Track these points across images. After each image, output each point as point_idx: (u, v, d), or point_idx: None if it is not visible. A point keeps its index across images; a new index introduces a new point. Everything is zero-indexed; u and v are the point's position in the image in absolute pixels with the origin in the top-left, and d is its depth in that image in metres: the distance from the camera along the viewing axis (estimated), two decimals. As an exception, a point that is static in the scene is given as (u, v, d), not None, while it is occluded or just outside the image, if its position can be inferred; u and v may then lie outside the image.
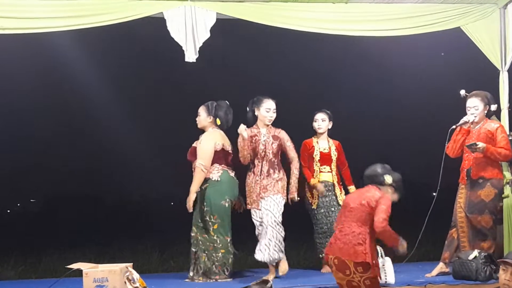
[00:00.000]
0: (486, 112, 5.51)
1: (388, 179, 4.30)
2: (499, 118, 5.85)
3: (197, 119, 5.90)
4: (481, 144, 5.27)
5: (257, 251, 5.64)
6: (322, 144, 6.17)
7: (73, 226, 15.70)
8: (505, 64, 5.93)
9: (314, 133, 6.27)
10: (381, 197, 4.19)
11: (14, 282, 6.64)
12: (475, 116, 5.45)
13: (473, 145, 5.29)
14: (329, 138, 6.22)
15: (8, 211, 24.99)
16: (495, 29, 5.97)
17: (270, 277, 5.55)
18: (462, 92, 5.54)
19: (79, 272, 4.91)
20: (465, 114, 5.53)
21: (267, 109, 5.81)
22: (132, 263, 5.22)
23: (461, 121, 5.47)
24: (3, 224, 16.58)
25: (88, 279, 4.80)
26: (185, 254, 5.88)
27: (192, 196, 5.61)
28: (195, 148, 5.80)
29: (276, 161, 5.82)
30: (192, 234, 5.76)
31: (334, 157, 6.13)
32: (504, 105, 5.84)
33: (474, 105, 5.47)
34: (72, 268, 4.95)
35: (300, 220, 6.32)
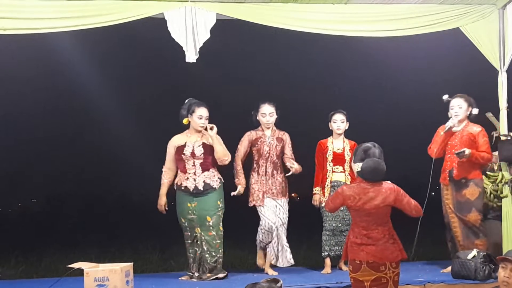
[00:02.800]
0: (468, 113, 5.68)
1: (384, 167, 4.09)
2: (497, 119, 5.87)
3: (206, 121, 5.78)
4: (467, 151, 5.47)
5: (281, 258, 5.98)
6: (337, 144, 6.19)
7: (74, 226, 15.73)
8: (504, 64, 5.94)
9: (317, 133, 6.34)
10: (393, 190, 4.07)
11: (15, 281, 6.65)
12: (459, 115, 5.64)
13: (461, 153, 5.48)
14: (345, 139, 6.24)
15: (10, 210, 25.02)
16: (494, 29, 5.98)
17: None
18: (445, 97, 5.74)
19: (80, 272, 4.93)
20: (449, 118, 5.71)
21: (262, 114, 6.09)
22: (132, 263, 5.24)
23: (448, 127, 5.64)
24: (4, 224, 16.60)
25: (89, 279, 4.83)
26: (185, 254, 5.90)
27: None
28: (210, 146, 5.77)
29: (279, 162, 6.09)
30: (195, 235, 5.72)
31: (347, 157, 6.12)
32: (502, 106, 5.86)
33: (458, 104, 5.67)
34: (73, 268, 4.97)
35: (300, 220, 6.35)
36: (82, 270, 4.89)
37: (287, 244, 5.98)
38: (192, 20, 5.58)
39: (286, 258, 5.97)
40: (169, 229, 5.91)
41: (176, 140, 5.86)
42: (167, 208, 5.88)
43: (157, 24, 5.69)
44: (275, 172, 6.03)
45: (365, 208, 4.06)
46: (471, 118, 5.71)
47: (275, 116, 6.12)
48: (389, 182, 4.15)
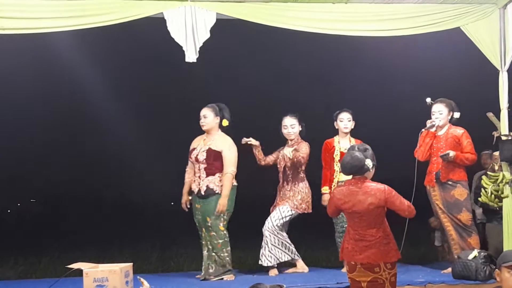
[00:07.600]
0: (449, 118, 5.79)
1: (369, 163, 4.11)
2: (498, 118, 5.86)
3: (203, 121, 5.85)
4: (452, 153, 5.59)
5: (261, 256, 5.95)
6: (344, 143, 6.11)
7: (73, 226, 15.72)
8: (505, 64, 5.92)
9: (319, 133, 6.33)
10: (382, 191, 4.05)
11: (14, 282, 6.65)
12: (440, 120, 5.73)
13: (445, 155, 5.59)
14: (351, 138, 6.19)
15: (9, 211, 25.00)
16: (494, 29, 5.96)
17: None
18: (428, 100, 5.83)
19: (79, 272, 4.92)
20: (429, 119, 5.79)
21: (284, 126, 6.14)
22: (132, 263, 5.23)
23: (429, 125, 5.73)
24: (3, 224, 16.59)
25: (88, 279, 4.82)
26: (185, 255, 5.91)
27: (225, 201, 5.73)
28: (216, 152, 5.79)
29: (290, 173, 6.06)
30: (203, 235, 5.84)
31: None
32: (503, 105, 5.85)
33: (439, 110, 5.77)
34: (72, 268, 4.96)
35: (299, 221, 6.32)
36: (81, 270, 4.87)
37: (271, 249, 5.96)
38: (192, 19, 5.56)
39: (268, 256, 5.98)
40: (169, 229, 5.90)
41: (193, 143, 5.99)
42: (188, 206, 5.97)
43: (157, 24, 5.68)
44: (285, 183, 6.06)
45: (356, 212, 4.07)
46: (453, 122, 5.82)
47: (297, 128, 6.12)
48: (380, 183, 4.14)
